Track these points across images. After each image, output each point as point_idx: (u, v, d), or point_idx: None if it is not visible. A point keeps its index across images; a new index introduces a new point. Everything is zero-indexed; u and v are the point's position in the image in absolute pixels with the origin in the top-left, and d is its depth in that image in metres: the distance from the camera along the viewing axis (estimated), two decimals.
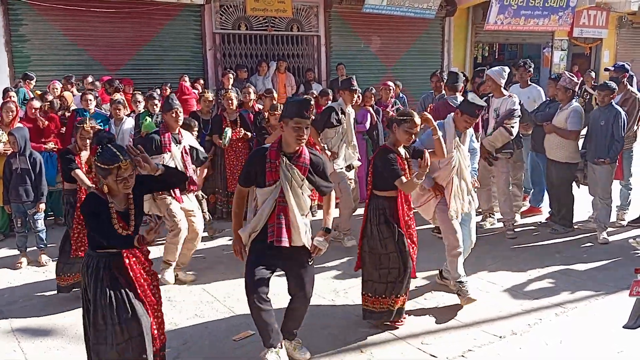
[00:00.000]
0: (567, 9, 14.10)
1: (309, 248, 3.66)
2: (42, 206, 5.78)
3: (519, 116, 6.18)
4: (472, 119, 4.60)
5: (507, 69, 6.42)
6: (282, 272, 3.75)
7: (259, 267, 3.55)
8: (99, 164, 3.00)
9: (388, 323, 4.24)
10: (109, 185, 3.03)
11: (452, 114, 4.71)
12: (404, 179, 3.99)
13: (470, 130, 4.84)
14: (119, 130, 7.08)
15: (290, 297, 3.76)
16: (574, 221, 6.56)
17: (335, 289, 5.01)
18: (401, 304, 4.22)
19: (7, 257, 6.03)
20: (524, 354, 3.84)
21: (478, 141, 6.38)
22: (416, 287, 5.06)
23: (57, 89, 8.29)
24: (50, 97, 7.60)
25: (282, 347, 3.65)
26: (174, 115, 5.04)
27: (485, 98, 6.51)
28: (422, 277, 5.23)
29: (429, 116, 4.27)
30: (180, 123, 5.15)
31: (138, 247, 3.00)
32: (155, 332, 3.23)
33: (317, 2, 11.86)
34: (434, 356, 3.84)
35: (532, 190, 7.39)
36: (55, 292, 4.99)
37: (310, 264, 3.71)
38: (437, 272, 5.16)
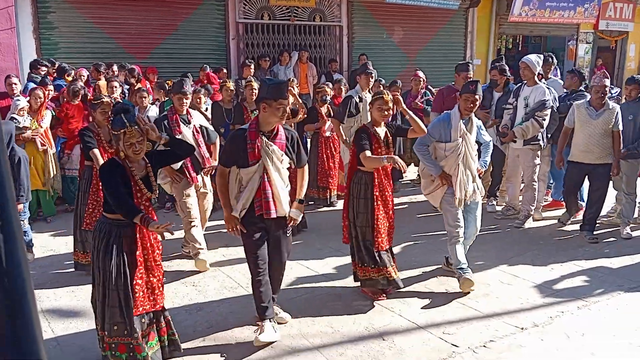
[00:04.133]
0: (593, 1, 13.92)
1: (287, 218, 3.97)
2: (21, 207, 5.34)
3: (551, 107, 6.16)
4: (469, 96, 4.63)
5: (542, 57, 6.39)
6: None
7: (257, 242, 3.86)
8: (112, 131, 3.36)
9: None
10: (123, 151, 3.34)
11: (457, 104, 4.82)
12: (368, 152, 4.26)
13: (478, 122, 4.94)
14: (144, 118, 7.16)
15: (268, 264, 3.98)
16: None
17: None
18: (373, 274, 4.47)
19: (35, 241, 6.17)
20: (546, 346, 3.85)
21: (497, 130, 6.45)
22: (423, 272, 5.19)
23: (83, 76, 8.42)
24: (79, 84, 7.69)
25: (275, 322, 3.94)
26: (180, 99, 5.14)
27: (517, 86, 6.51)
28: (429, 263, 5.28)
29: (399, 97, 4.47)
30: (186, 106, 5.25)
31: (139, 223, 3.23)
32: (157, 292, 3.50)
33: None
34: (455, 346, 3.87)
35: (553, 183, 7.35)
36: (73, 269, 5.27)
37: (289, 234, 4.04)
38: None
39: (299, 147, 4.02)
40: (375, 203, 4.38)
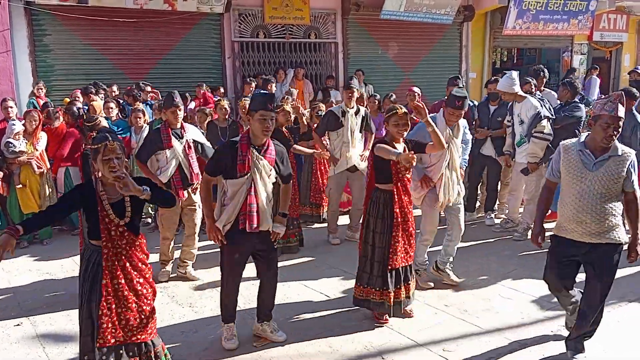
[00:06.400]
0: (586, 13, 13.99)
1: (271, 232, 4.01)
2: None
3: (546, 117, 6.14)
4: (455, 111, 4.68)
5: (514, 72, 6.40)
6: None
7: (238, 257, 3.93)
8: (92, 147, 3.23)
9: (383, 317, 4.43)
10: (100, 170, 3.19)
11: (442, 109, 4.87)
12: (396, 150, 4.14)
13: (463, 122, 4.99)
14: (139, 138, 7.15)
15: (260, 279, 4.11)
16: None
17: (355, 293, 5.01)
18: (374, 296, 4.36)
19: (30, 264, 6.14)
20: None
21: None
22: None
23: (79, 97, 8.44)
24: (78, 105, 7.72)
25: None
26: (174, 112, 5.17)
27: (510, 103, 6.53)
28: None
29: (421, 104, 4.25)
30: (180, 120, 5.29)
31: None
32: (133, 324, 3.28)
33: (334, 9, 11.92)
34: None
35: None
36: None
37: (275, 247, 4.11)
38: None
39: (287, 164, 4.06)
40: (395, 220, 4.27)
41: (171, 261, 5.58)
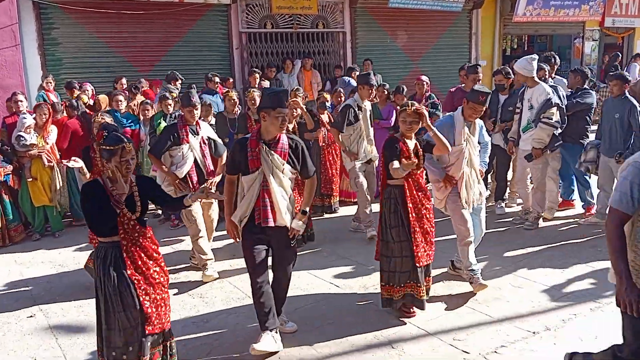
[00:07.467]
0: None
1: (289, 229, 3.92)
2: None
3: (557, 104, 6.06)
4: (478, 106, 4.61)
5: (535, 57, 6.31)
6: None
7: (257, 249, 3.81)
8: (105, 147, 3.24)
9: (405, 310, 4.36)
10: (112, 169, 3.25)
11: (461, 106, 4.75)
12: (395, 163, 4.10)
13: (480, 122, 4.91)
14: (147, 131, 7.17)
15: (272, 275, 4.03)
16: None
17: (365, 284, 5.02)
18: (412, 290, 4.27)
19: (43, 256, 6.20)
20: (558, 350, 3.76)
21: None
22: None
23: (88, 90, 8.48)
24: (85, 98, 7.74)
25: (277, 332, 3.88)
26: (190, 111, 5.23)
27: (521, 89, 6.44)
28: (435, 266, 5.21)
29: (424, 111, 4.23)
30: (197, 118, 5.35)
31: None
32: (161, 311, 3.38)
33: None
34: (466, 352, 3.81)
35: (562, 183, 7.26)
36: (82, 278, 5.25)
37: (293, 244, 4.00)
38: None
39: (305, 158, 3.93)
40: (410, 215, 4.21)
41: (212, 260, 5.39)
